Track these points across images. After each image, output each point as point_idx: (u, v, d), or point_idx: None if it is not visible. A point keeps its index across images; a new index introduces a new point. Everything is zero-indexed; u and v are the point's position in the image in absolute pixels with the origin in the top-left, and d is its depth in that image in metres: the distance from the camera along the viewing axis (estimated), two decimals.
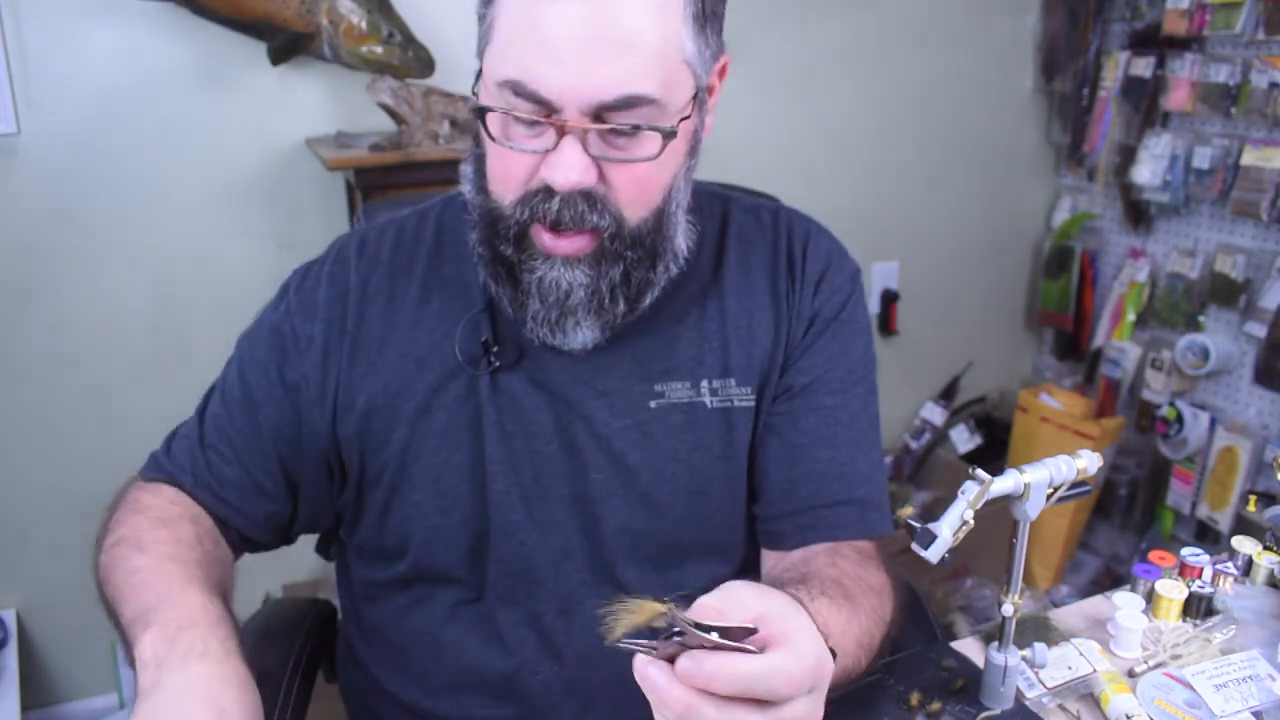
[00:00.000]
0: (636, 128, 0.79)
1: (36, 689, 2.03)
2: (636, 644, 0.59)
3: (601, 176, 0.81)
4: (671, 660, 0.60)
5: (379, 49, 1.80)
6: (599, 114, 0.78)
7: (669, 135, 0.80)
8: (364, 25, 1.78)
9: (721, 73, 0.90)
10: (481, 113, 0.82)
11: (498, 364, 0.92)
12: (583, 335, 0.89)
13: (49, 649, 2.04)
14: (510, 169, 0.83)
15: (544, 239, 0.84)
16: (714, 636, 0.59)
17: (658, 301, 0.93)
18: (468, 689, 0.97)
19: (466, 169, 0.91)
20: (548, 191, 0.81)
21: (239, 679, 0.73)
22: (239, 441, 0.96)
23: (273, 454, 0.96)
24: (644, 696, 0.61)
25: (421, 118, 1.80)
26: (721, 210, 1.02)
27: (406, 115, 1.79)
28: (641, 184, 0.83)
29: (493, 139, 0.82)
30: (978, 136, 2.57)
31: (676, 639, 0.59)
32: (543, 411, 0.93)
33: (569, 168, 0.78)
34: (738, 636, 0.60)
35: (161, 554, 0.85)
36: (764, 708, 0.60)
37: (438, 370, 0.93)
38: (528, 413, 0.93)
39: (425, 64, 1.84)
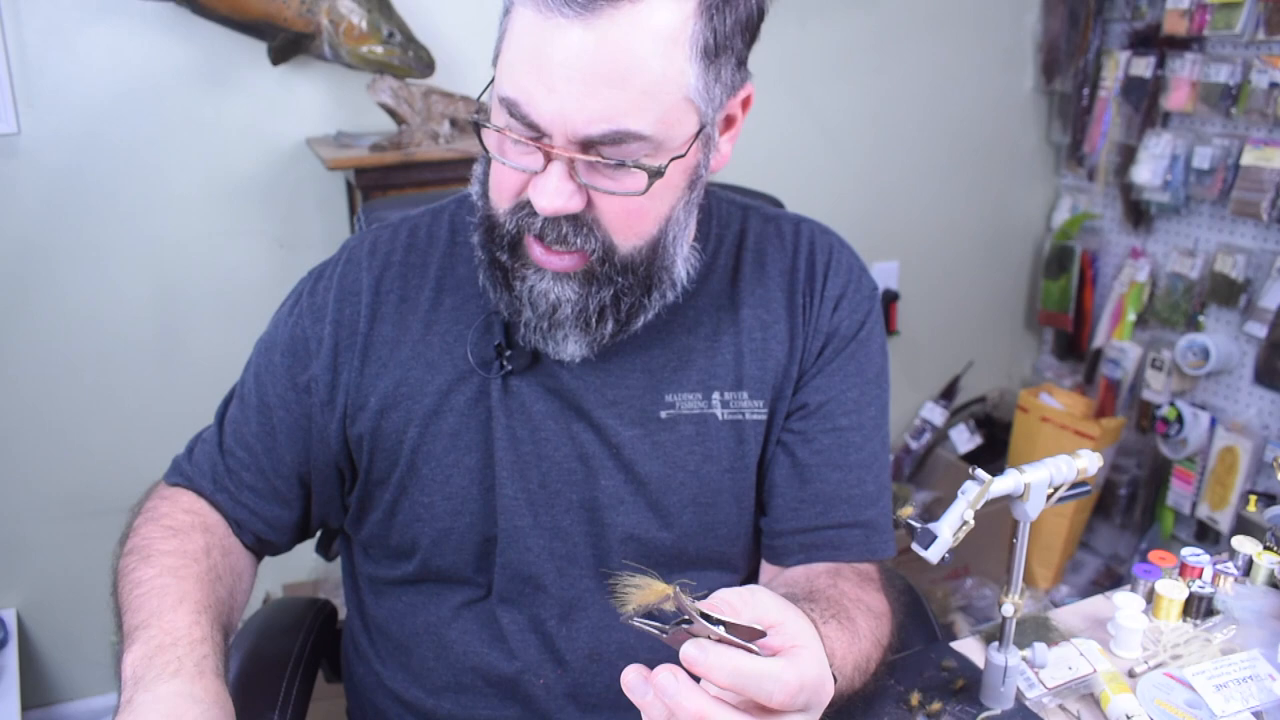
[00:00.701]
0: (621, 163, 0.78)
1: (36, 689, 2.03)
2: (648, 624, 0.60)
3: (590, 203, 0.81)
4: (676, 647, 0.60)
5: (379, 49, 1.80)
6: (584, 147, 0.77)
7: (655, 175, 0.79)
8: (364, 25, 1.78)
9: (745, 104, 0.88)
10: (477, 128, 0.82)
11: (509, 368, 0.92)
12: (571, 348, 0.89)
13: (49, 649, 2.04)
14: (503, 181, 0.84)
15: (535, 251, 0.85)
16: (720, 630, 0.59)
17: (671, 311, 0.93)
18: (470, 690, 0.97)
19: (478, 169, 0.91)
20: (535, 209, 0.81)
21: (208, 695, 0.75)
22: (256, 446, 0.97)
23: (287, 458, 0.97)
24: None
25: (421, 118, 1.80)
26: (740, 220, 1.01)
27: (406, 115, 1.79)
28: (632, 215, 0.82)
29: (487, 154, 0.84)
30: (978, 136, 2.57)
31: (684, 627, 0.60)
32: (553, 418, 0.93)
33: (553, 193, 0.78)
34: (745, 635, 0.60)
35: (165, 567, 0.87)
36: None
37: (449, 372, 0.93)
38: (537, 419, 0.93)
39: (425, 64, 1.84)
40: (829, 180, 2.41)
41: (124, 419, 1.96)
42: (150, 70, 1.83)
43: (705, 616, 0.59)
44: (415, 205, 1.06)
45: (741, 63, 0.83)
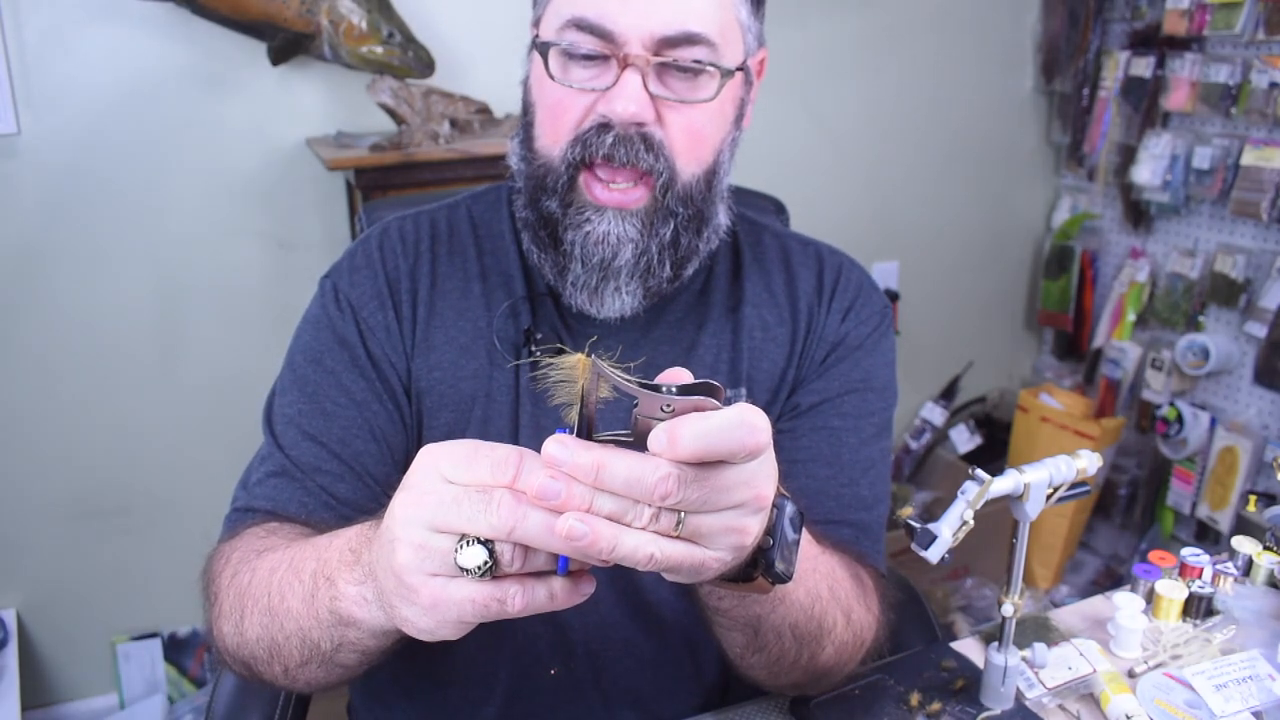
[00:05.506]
0: (698, 62, 0.82)
1: (36, 689, 2.03)
2: (616, 435, 0.55)
3: (659, 119, 0.83)
4: (643, 438, 0.53)
5: (379, 49, 1.80)
6: (659, 49, 0.81)
7: (726, 74, 0.83)
8: (364, 25, 1.78)
9: (761, 67, 0.92)
10: (545, 49, 0.83)
11: (538, 354, 0.91)
12: (620, 303, 0.88)
13: (49, 649, 2.04)
14: (567, 109, 0.84)
15: (595, 190, 0.85)
16: (673, 394, 0.53)
17: (682, 309, 0.94)
18: (475, 682, 0.97)
19: (513, 144, 0.92)
20: (603, 128, 0.82)
21: None
22: (345, 454, 0.89)
23: (388, 456, 0.91)
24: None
25: (421, 118, 1.80)
26: (750, 231, 1.02)
27: (406, 115, 1.79)
28: (695, 134, 0.85)
29: (551, 78, 0.84)
30: (978, 136, 2.57)
31: (641, 415, 0.54)
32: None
33: (629, 98, 0.81)
34: (702, 393, 0.53)
35: (291, 537, 0.78)
36: (739, 478, 0.55)
37: (481, 359, 0.93)
38: (558, 409, 0.92)
39: (425, 64, 1.84)
40: (829, 180, 2.41)
41: (124, 419, 1.96)
42: (150, 71, 1.83)
43: (649, 386, 0.53)
44: (415, 205, 1.05)
45: (763, 21, 0.90)
